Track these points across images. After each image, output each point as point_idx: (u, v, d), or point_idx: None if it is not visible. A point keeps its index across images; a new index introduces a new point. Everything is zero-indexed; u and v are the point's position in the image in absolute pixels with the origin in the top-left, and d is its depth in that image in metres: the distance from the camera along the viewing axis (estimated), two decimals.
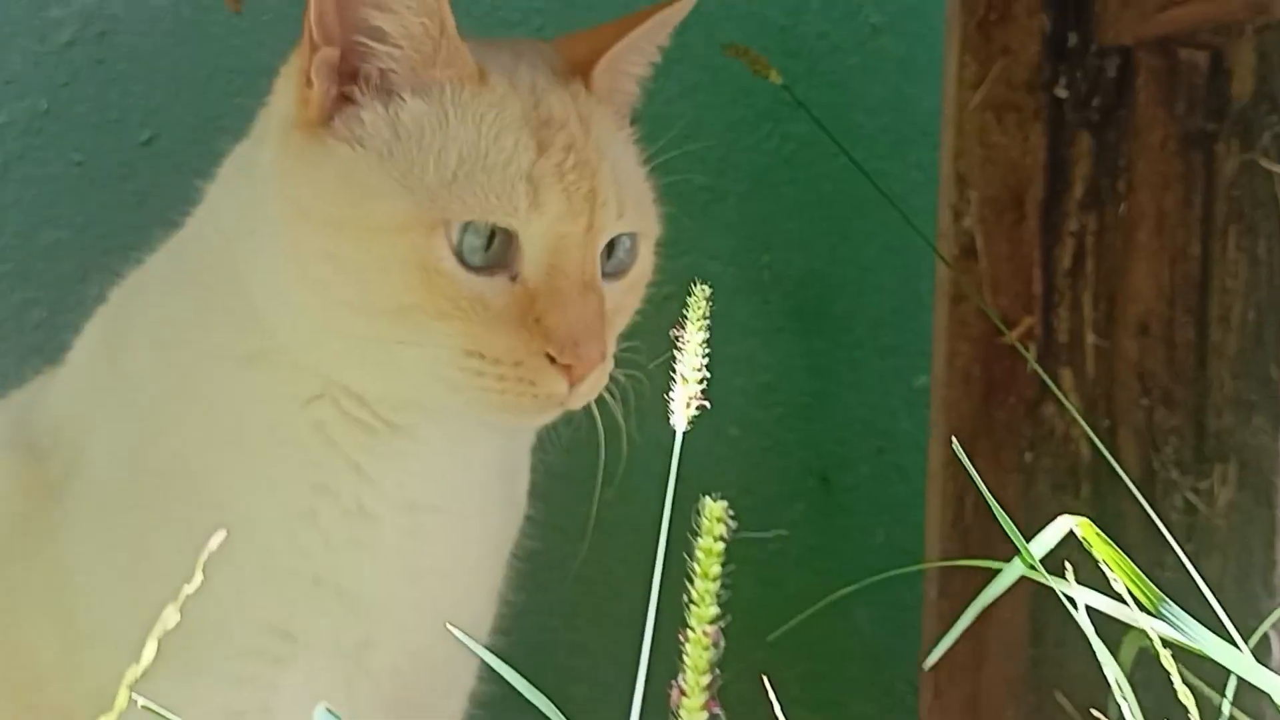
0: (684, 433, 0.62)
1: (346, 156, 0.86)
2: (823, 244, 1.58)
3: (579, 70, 0.95)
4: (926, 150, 1.59)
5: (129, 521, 0.94)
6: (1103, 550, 0.66)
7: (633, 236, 0.95)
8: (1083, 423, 1.22)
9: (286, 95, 0.90)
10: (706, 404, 0.64)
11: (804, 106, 1.32)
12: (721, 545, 0.53)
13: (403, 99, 0.87)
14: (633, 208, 0.94)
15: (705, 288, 0.66)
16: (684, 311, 0.65)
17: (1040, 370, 1.27)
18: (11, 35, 1.48)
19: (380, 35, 0.86)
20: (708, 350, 1.59)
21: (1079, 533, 0.66)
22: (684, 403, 0.63)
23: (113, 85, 1.50)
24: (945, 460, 1.32)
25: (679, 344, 0.64)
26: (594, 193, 0.89)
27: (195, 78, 1.49)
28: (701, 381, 0.63)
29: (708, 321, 0.64)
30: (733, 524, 0.54)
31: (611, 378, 0.97)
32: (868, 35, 1.58)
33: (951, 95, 1.32)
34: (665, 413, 0.66)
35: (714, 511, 0.53)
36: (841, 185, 1.58)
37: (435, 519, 0.97)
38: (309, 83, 0.87)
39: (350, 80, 0.88)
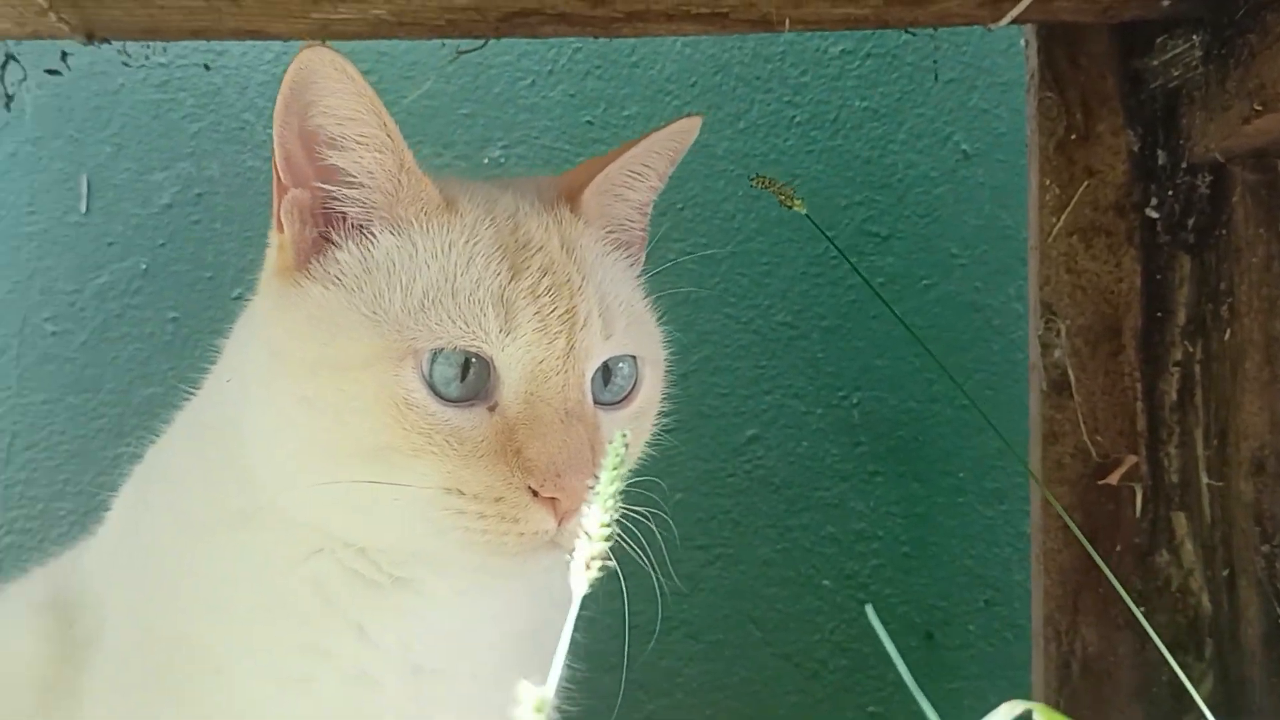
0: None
1: (318, 297, 0.84)
2: (917, 381, 1.49)
3: (570, 197, 0.91)
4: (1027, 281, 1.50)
5: (136, 698, 0.91)
6: None
7: (631, 361, 0.89)
8: None
9: (271, 245, 0.89)
10: (611, 563, 0.57)
11: (827, 236, 1.25)
12: None
13: (374, 236, 0.85)
14: (625, 330, 0.88)
15: (625, 434, 0.60)
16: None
17: None
18: (116, 200, 1.53)
19: (341, 174, 0.84)
20: (795, 494, 1.49)
21: None
22: (584, 563, 0.56)
23: (208, 244, 1.54)
24: (1047, 617, 1.20)
25: (591, 494, 0.57)
26: (572, 313, 0.84)
27: None
28: (609, 539, 0.56)
29: (622, 471, 0.57)
30: None
31: (628, 518, 0.90)
32: (959, 163, 1.51)
33: (1035, 221, 1.24)
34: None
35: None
36: (936, 318, 1.50)
37: (443, 684, 0.90)
38: (279, 226, 0.85)
39: (326, 223, 0.86)
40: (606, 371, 0.87)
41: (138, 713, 0.91)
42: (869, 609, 0.72)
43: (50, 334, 1.52)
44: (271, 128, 1.12)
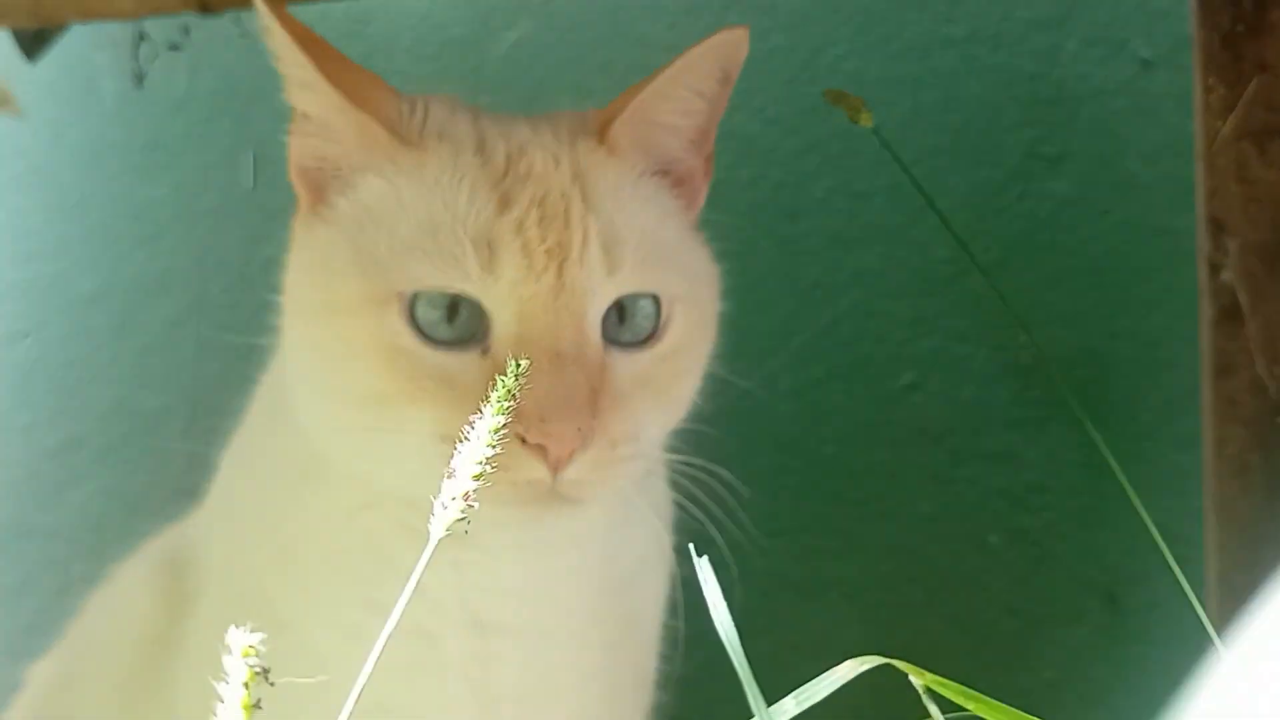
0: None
1: (322, 239, 0.84)
2: (1095, 317, 1.35)
3: (601, 128, 0.86)
4: None
5: (219, 649, 0.93)
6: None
7: (655, 299, 0.83)
8: None
9: None
10: (475, 505, 0.52)
11: (895, 155, 1.13)
12: None
13: (361, 179, 0.83)
14: (640, 266, 0.82)
15: (523, 362, 0.55)
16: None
17: None
18: (278, 173, 1.57)
19: (300, 115, 0.84)
20: (958, 445, 1.39)
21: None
22: (444, 503, 0.51)
23: None
24: (1222, 575, 1.06)
25: (464, 432, 0.52)
26: (563, 246, 0.79)
27: None
28: (479, 478, 0.51)
29: (512, 404, 0.52)
30: None
31: (684, 475, 0.85)
32: (1137, 73, 1.35)
33: (1200, 127, 1.09)
34: None
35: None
36: (1116, 246, 1.35)
37: (509, 641, 0.88)
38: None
39: (325, 167, 0.85)
40: (622, 310, 0.82)
41: (219, 664, 0.93)
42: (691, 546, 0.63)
43: (223, 305, 1.58)
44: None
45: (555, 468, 0.77)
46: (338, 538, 0.87)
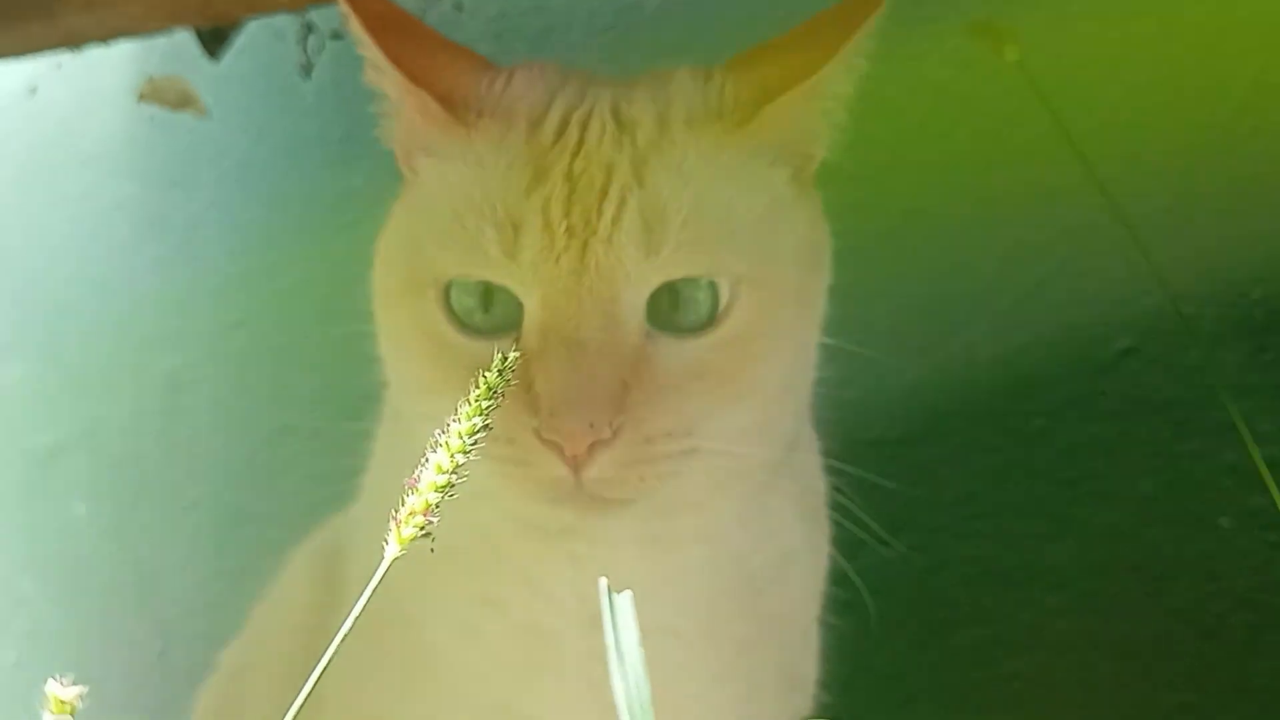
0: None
1: (394, 223, 0.83)
2: None
3: (741, 108, 0.77)
4: None
5: (353, 641, 0.92)
6: None
7: (710, 284, 0.75)
8: None
9: None
10: (434, 520, 0.47)
11: (1039, 93, 0.99)
12: None
13: (423, 162, 0.81)
14: (693, 246, 0.74)
15: (511, 354, 0.49)
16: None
17: None
18: None
19: (384, 97, 0.82)
20: (1183, 416, 1.27)
21: None
22: (404, 520, 0.45)
23: None
24: None
25: (438, 437, 0.47)
26: (588, 224, 0.72)
27: None
28: (445, 488, 0.45)
29: (494, 404, 0.46)
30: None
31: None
32: None
33: None
34: None
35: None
36: None
37: None
38: None
39: (409, 151, 0.83)
40: (676, 295, 0.75)
41: (353, 654, 0.93)
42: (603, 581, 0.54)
43: None
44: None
45: (573, 465, 0.72)
46: (451, 531, 0.85)
